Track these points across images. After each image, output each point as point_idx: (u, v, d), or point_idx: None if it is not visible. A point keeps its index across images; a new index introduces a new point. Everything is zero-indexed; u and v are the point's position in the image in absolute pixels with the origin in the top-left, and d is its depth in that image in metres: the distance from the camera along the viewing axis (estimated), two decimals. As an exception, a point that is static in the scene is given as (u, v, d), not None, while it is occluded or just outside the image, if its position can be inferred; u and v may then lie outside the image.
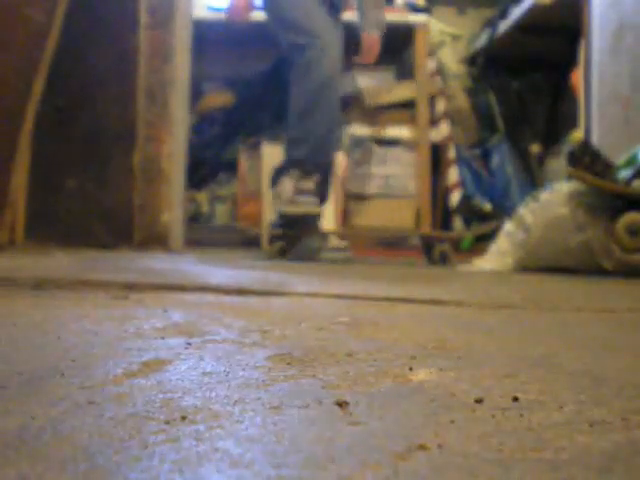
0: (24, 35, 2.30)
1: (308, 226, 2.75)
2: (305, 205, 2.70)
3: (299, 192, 2.70)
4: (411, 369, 0.66)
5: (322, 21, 2.72)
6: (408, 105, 4.41)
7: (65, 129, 2.75)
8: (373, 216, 4.20)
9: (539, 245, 2.31)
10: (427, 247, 2.97)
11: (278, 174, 2.79)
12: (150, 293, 1.27)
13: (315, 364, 0.67)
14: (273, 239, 2.83)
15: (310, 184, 2.70)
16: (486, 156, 4.69)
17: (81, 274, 1.50)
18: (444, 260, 2.82)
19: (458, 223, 4.44)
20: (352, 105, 4.43)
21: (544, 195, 2.41)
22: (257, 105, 4.50)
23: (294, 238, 2.75)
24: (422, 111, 4.36)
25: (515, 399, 0.55)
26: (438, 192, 4.49)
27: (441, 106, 4.57)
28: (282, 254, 2.77)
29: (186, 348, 0.74)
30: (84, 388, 0.56)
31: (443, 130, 4.53)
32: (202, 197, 4.53)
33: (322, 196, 2.80)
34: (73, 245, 2.58)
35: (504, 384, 0.61)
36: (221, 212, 4.54)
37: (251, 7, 2.93)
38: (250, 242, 4.13)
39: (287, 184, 2.73)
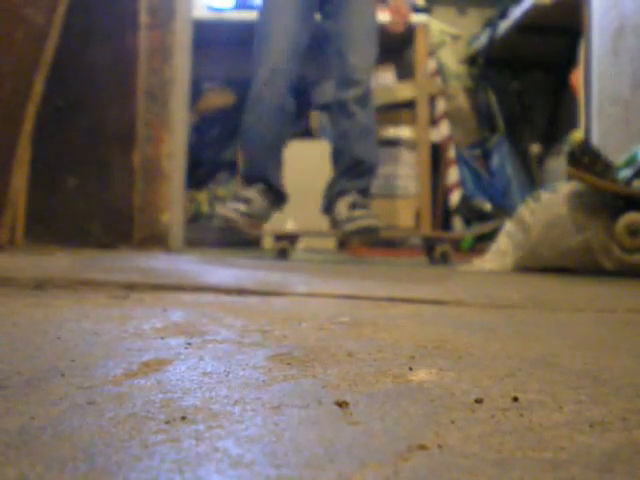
0: (24, 35, 2.30)
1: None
2: (227, 211, 2.75)
3: (236, 199, 2.78)
4: (411, 369, 0.66)
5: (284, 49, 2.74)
6: (408, 105, 4.41)
7: (65, 129, 2.75)
8: (373, 216, 4.19)
9: (539, 245, 2.31)
10: (428, 247, 2.97)
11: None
12: (150, 293, 1.27)
13: (315, 364, 0.67)
14: (277, 239, 2.86)
15: (248, 193, 2.76)
16: (486, 156, 4.69)
17: (81, 274, 1.50)
18: (445, 260, 2.82)
19: (458, 223, 4.44)
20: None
21: (544, 195, 2.41)
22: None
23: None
24: (422, 111, 4.36)
25: (515, 399, 0.55)
26: (438, 192, 4.49)
27: (441, 106, 4.57)
28: (284, 255, 2.78)
29: (186, 348, 0.74)
30: (84, 388, 0.56)
31: (443, 130, 4.53)
32: (202, 197, 4.53)
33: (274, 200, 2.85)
34: (73, 245, 2.58)
35: (504, 384, 0.61)
36: (221, 212, 4.53)
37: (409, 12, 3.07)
38: (250, 242, 4.13)
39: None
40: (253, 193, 2.74)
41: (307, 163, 3.92)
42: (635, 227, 2.12)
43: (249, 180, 2.79)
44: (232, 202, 2.76)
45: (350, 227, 2.70)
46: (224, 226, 2.80)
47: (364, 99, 2.81)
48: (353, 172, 2.80)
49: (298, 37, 2.75)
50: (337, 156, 2.86)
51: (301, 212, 3.59)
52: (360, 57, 2.80)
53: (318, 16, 2.88)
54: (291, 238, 2.91)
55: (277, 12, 2.75)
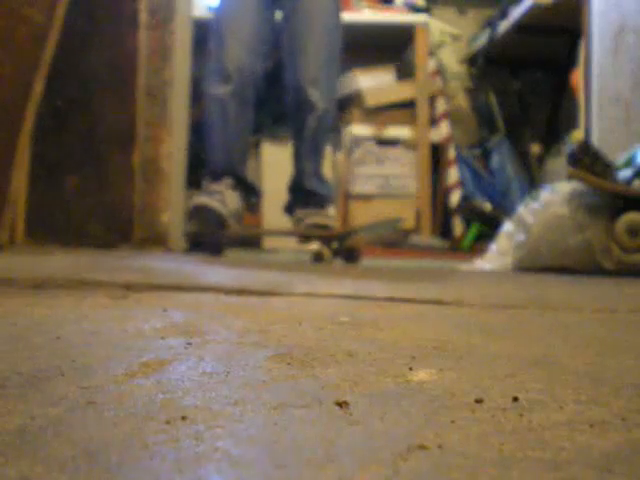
0: (24, 35, 2.30)
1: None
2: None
3: (207, 193, 2.73)
4: (411, 369, 0.66)
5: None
6: (408, 105, 4.41)
7: (65, 129, 2.75)
8: (373, 216, 4.20)
9: (539, 245, 2.31)
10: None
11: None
12: (150, 293, 1.27)
13: (315, 364, 0.67)
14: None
15: (218, 187, 2.71)
16: (486, 156, 4.70)
17: (81, 274, 1.50)
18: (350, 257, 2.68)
19: (458, 223, 4.44)
20: (352, 105, 4.43)
21: (544, 195, 2.41)
22: (257, 105, 4.49)
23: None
24: (422, 111, 4.36)
25: (515, 399, 0.55)
26: (438, 192, 4.49)
27: (441, 106, 4.57)
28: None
29: (186, 348, 0.74)
30: (84, 388, 0.56)
31: (443, 130, 4.53)
32: (202, 197, 4.52)
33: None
34: (73, 245, 2.58)
35: (504, 384, 0.61)
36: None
37: None
38: (250, 242, 4.13)
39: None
40: (223, 187, 2.70)
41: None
42: (635, 227, 2.12)
43: (216, 176, 2.75)
44: (205, 195, 2.71)
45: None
46: (201, 216, 2.68)
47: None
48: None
49: (259, 32, 2.72)
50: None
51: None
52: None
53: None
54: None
55: (234, 8, 2.74)
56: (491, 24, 4.60)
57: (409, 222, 4.29)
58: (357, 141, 4.34)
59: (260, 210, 4.17)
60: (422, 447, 0.43)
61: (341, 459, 0.40)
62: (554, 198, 2.33)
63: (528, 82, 4.89)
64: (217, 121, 2.75)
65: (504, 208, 4.14)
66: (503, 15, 4.45)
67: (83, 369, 0.63)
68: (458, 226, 4.43)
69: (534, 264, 2.33)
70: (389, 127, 4.36)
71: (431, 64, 4.59)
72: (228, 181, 2.73)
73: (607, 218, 2.17)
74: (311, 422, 0.48)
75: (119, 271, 1.70)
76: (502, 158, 4.59)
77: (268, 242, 4.12)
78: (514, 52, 4.65)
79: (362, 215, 4.26)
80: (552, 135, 4.61)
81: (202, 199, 2.67)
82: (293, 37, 2.74)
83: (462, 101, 4.83)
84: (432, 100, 4.51)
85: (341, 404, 0.52)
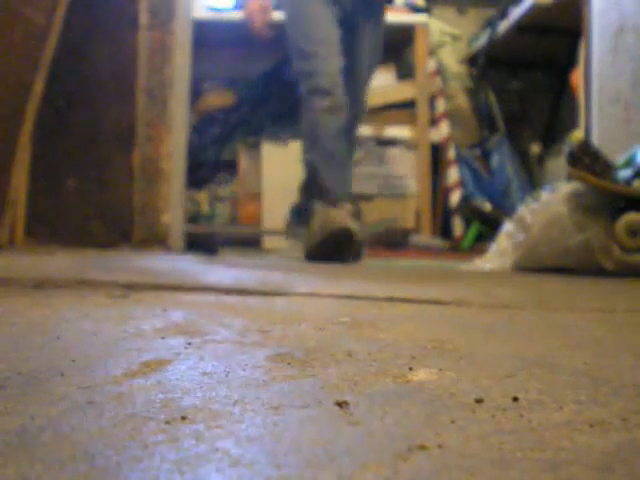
0: (24, 35, 2.30)
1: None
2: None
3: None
4: (411, 369, 0.66)
5: (327, 52, 2.60)
6: (408, 105, 4.41)
7: (65, 129, 2.75)
8: (373, 216, 4.20)
9: (539, 245, 2.31)
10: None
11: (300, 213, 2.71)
12: (150, 293, 1.27)
13: (315, 364, 0.67)
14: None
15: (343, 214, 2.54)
16: (486, 156, 4.69)
17: (81, 274, 1.50)
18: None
19: (458, 223, 4.44)
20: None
21: (544, 195, 2.41)
22: (257, 105, 4.50)
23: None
24: (422, 111, 4.36)
25: (515, 399, 0.55)
26: (438, 192, 4.49)
27: (441, 106, 4.57)
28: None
29: (186, 348, 0.74)
30: (84, 388, 0.56)
31: (443, 130, 4.53)
32: (202, 197, 4.53)
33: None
34: (73, 245, 2.58)
35: (504, 384, 0.61)
36: (221, 212, 4.54)
37: (268, 10, 2.90)
38: (250, 242, 4.13)
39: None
40: (345, 215, 2.51)
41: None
42: (635, 227, 2.12)
43: (332, 203, 2.54)
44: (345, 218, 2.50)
45: None
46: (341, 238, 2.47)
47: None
48: None
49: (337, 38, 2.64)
50: None
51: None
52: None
53: None
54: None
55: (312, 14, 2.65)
56: (491, 24, 4.60)
57: (409, 222, 4.29)
58: (357, 141, 4.34)
59: (261, 209, 4.17)
60: (422, 447, 0.43)
61: (341, 459, 0.40)
62: (554, 198, 2.33)
63: (528, 82, 4.89)
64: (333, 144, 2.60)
65: (504, 208, 4.14)
66: (503, 15, 4.45)
67: (83, 369, 0.63)
68: (458, 226, 4.43)
69: (533, 264, 2.33)
70: (389, 127, 4.36)
71: (431, 64, 4.59)
72: (348, 207, 2.55)
73: (607, 218, 2.17)
74: (311, 422, 0.48)
75: (119, 271, 1.70)
76: (502, 158, 4.59)
77: (268, 242, 4.12)
78: (514, 52, 4.65)
79: (362, 215, 4.26)
80: (552, 135, 4.61)
81: (348, 223, 2.46)
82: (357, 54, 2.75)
83: (462, 101, 4.83)
84: (432, 100, 4.51)
85: (341, 404, 0.52)
